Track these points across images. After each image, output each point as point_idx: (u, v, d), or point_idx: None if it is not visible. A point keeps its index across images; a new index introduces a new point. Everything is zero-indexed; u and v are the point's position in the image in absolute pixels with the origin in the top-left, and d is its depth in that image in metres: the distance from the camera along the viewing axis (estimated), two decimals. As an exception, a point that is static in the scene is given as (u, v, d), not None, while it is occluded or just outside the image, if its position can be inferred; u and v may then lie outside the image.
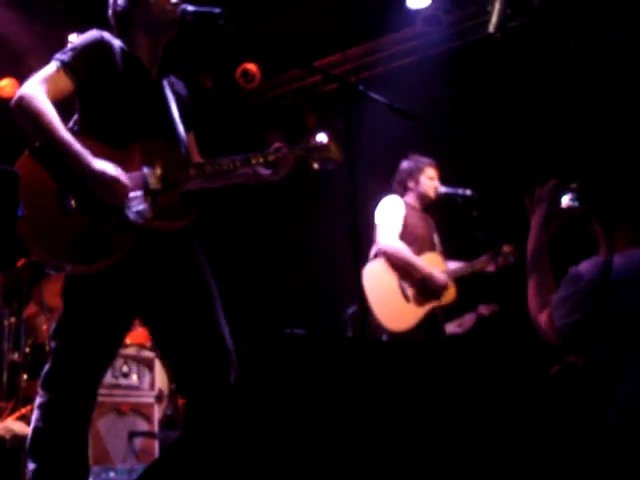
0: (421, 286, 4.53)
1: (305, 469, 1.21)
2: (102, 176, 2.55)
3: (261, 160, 2.89)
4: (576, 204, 2.33)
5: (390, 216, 4.65)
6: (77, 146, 2.56)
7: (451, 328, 5.31)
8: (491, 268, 4.80)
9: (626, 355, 1.98)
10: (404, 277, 4.55)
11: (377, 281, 4.48)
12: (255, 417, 1.23)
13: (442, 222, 5.09)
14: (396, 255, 4.52)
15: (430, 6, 6.02)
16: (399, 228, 4.62)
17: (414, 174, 4.86)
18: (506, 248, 4.74)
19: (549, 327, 2.19)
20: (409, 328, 4.46)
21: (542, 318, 2.23)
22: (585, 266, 2.12)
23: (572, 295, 2.10)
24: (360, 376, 1.24)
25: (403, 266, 4.53)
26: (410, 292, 4.55)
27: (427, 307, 4.56)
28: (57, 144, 2.55)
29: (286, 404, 1.21)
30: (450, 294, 4.71)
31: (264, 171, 2.94)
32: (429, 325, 4.55)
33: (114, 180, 2.56)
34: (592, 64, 5.50)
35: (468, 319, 5.49)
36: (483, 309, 5.51)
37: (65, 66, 2.66)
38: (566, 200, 2.35)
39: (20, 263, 4.80)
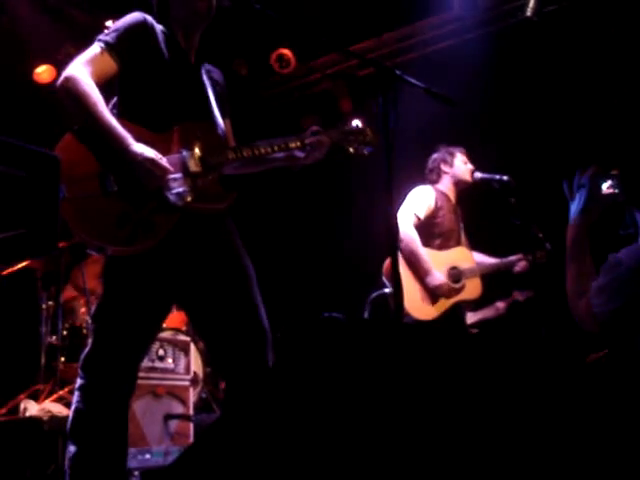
0: (423, 284, 4.54)
1: (341, 454, 1.21)
2: (141, 159, 2.56)
3: (299, 144, 2.89)
4: (617, 191, 2.29)
5: (412, 205, 4.65)
6: (119, 129, 2.58)
7: (483, 314, 5.32)
8: (518, 269, 4.81)
9: None
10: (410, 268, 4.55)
11: (405, 271, 4.49)
12: (293, 401, 1.23)
13: (477, 209, 5.06)
14: (405, 242, 4.51)
15: (466, -11, 5.97)
16: (421, 214, 4.62)
17: (447, 159, 4.85)
18: (538, 254, 4.69)
19: (588, 314, 2.16)
20: (434, 318, 4.48)
21: (581, 305, 2.20)
22: (625, 253, 2.10)
23: (611, 282, 2.08)
24: (399, 361, 1.24)
25: (408, 256, 4.52)
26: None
27: (452, 300, 4.58)
28: (100, 126, 2.57)
29: (325, 389, 1.21)
30: (475, 290, 4.70)
31: (300, 154, 2.94)
32: (452, 318, 4.55)
33: (153, 163, 2.57)
34: (632, 50, 5.41)
35: (498, 307, 5.49)
36: (518, 295, 5.52)
37: (109, 47, 2.67)
38: (606, 187, 2.31)
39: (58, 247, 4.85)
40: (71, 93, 2.58)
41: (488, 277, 4.85)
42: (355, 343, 1.22)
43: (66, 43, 6.22)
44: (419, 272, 4.52)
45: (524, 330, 5.20)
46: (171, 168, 2.62)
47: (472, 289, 4.68)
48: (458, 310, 4.65)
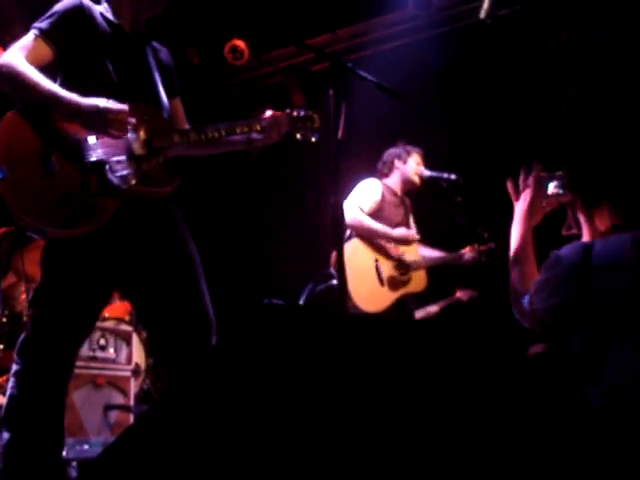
0: (396, 259, 4.60)
1: (278, 439, 1.21)
2: (98, 110, 2.53)
3: (246, 129, 2.87)
4: (562, 192, 2.33)
5: (357, 198, 4.69)
6: (65, 93, 2.54)
7: (419, 314, 5.38)
8: (467, 258, 4.85)
9: (609, 338, 1.98)
10: (378, 250, 4.61)
11: (354, 261, 4.52)
12: (231, 386, 1.22)
13: (424, 207, 5.10)
14: (359, 226, 4.57)
15: (421, -11, 6.00)
16: (365, 207, 4.65)
17: (402, 156, 4.88)
18: (482, 247, 4.77)
19: (529, 312, 2.19)
20: (381, 310, 4.51)
21: (522, 303, 2.23)
22: (566, 250, 2.13)
23: (552, 278, 2.11)
24: (338, 348, 1.24)
25: (369, 236, 4.59)
26: (386, 275, 4.60)
27: (399, 292, 4.63)
28: (43, 95, 2.52)
29: (263, 374, 1.20)
30: (420, 282, 4.76)
31: (257, 136, 2.92)
32: (399, 309, 4.61)
33: (110, 111, 2.54)
34: (581, 55, 5.52)
35: (429, 310, 5.54)
36: (461, 294, 5.56)
37: (43, 34, 2.62)
38: (552, 188, 2.34)
39: (-1, 232, 4.75)
40: (6, 76, 2.53)
41: (434, 273, 4.89)
42: (294, 328, 1.22)
43: (16, 24, 6.08)
44: (383, 240, 4.58)
45: (465, 324, 5.26)
46: (126, 109, 2.59)
47: (417, 282, 4.74)
48: (405, 304, 4.69)
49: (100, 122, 2.54)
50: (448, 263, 4.88)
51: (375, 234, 4.61)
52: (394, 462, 1.18)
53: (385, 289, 4.59)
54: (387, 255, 4.64)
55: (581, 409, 1.51)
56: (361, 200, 4.67)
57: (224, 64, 6.89)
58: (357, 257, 4.56)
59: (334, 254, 4.53)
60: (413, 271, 4.71)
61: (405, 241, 4.68)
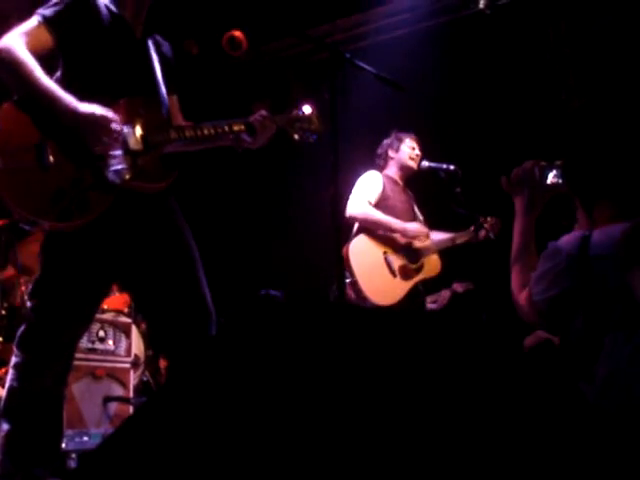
0: (404, 247, 4.58)
1: (277, 431, 1.20)
2: (92, 117, 2.52)
3: (243, 127, 2.87)
4: (561, 181, 2.32)
5: (362, 188, 4.67)
6: (61, 92, 2.53)
7: (432, 299, 5.37)
8: (473, 240, 4.82)
9: (604, 330, 1.98)
10: (385, 242, 4.59)
11: (363, 256, 4.51)
12: (231, 377, 1.22)
13: (423, 197, 5.10)
14: (366, 219, 4.57)
15: (421, -21, 5.99)
16: (372, 199, 4.63)
17: (394, 144, 4.88)
18: (490, 220, 4.75)
19: (529, 305, 2.18)
20: (395, 302, 4.49)
21: (523, 297, 2.22)
22: (564, 240, 2.12)
23: (550, 269, 2.10)
24: (337, 340, 1.24)
25: (376, 228, 4.57)
26: (396, 266, 4.58)
27: (413, 280, 4.60)
28: (40, 92, 2.51)
29: (263, 365, 1.20)
30: (435, 267, 4.75)
31: (247, 138, 2.92)
32: (413, 299, 4.59)
33: (104, 118, 2.54)
34: (581, 45, 5.50)
35: (443, 295, 5.53)
36: (458, 286, 5.57)
37: (47, 21, 2.61)
38: (551, 177, 2.33)
39: (-3, 225, 4.75)
40: (5, 63, 2.52)
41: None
42: (291, 320, 1.22)
43: (12, 16, 6.06)
44: (394, 234, 4.56)
45: (465, 315, 5.26)
46: (119, 120, 2.58)
47: (431, 267, 4.73)
48: (418, 294, 4.68)
49: (92, 129, 2.53)
50: (461, 242, 4.82)
51: (388, 228, 4.58)
52: (400, 450, 1.18)
53: (398, 280, 4.56)
54: (395, 245, 4.62)
55: (576, 403, 1.51)
56: (366, 193, 4.65)
57: (222, 55, 6.86)
58: (365, 252, 4.54)
59: (344, 251, 4.50)
60: (424, 257, 4.69)
61: (417, 237, 4.65)
